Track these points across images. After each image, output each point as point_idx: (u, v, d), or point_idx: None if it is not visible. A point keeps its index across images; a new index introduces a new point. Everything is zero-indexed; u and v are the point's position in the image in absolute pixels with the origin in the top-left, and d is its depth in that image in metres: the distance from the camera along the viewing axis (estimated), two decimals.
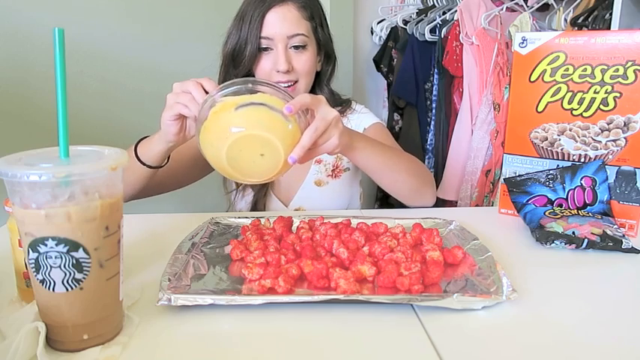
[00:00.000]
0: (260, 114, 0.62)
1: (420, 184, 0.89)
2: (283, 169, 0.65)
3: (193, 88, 0.71)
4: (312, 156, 0.68)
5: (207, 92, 0.73)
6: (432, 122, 1.80)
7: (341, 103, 1.07)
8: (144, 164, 0.81)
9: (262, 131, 0.61)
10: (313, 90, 1.03)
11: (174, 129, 0.74)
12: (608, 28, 1.21)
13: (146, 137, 0.83)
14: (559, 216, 0.76)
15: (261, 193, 1.00)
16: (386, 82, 2.03)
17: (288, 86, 0.94)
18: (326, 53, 1.01)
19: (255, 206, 1.02)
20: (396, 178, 0.86)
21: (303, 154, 0.63)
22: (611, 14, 1.19)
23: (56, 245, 0.42)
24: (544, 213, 0.78)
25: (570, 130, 0.80)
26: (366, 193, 1.24)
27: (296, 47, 0.93)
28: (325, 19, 1.00)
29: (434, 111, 1.79)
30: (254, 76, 0.96)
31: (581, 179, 0.80)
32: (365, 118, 1.05)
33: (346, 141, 0.71)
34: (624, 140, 0.76)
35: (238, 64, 0.94)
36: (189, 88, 0.71)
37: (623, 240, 0.69)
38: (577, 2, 1.38)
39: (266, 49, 0.93)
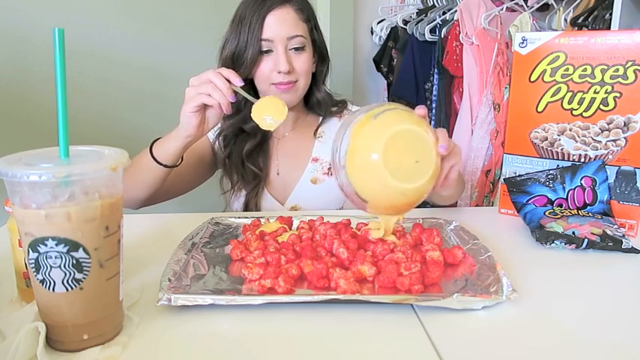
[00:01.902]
0: (399, 114, 0.62)
1: (462, 187, 0.93)
2: (436, 171, 0.62)
3: (214, 76, 0.72)
4: (444, 177, 0.66)
5: (228, 80, 0.75)
6: (432, 122, 1.80)
7: (336, 104, 1.08)
8: (160, 164, 0.81)
9: (410, 125, 0.60)
10: (310, 90, 1.04)
11: (195, 121, 0.75)
12: (608, 28, 1.20)
13: (159, 138, 0.84)
14: (559, 216, 0.76)
15: (253, 193, 1.01)
16: (386, 82, 2.03)
17: (289, 85, 0.94)
18: (320, 54, 1.03)
19: (247, 206, 1.02)
20: (453, 191, 0.87)
21: (450, 147, 0.63)
22: (611, 14, 1.19)
23: (56, 245, 0.42)
24: (544, 213, 0.78)
25: (570, 130, 0.80)
26: None
27: (296, 49, 0.94)
28: (317, 21, 1.02)
29: (434, 111, 1.79)
30: (253, 78, 0.97)
31: (581, 179, 0.80)
32: None
33: None
34: (624, 140, 0.76)
35: (239, 67, 0.95)
36: (210, 77, 0.72)
37: (623, 240, 0.69)
38: (577, 2, 1.38)
39: (267, 51, 0.94)
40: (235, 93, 0.77)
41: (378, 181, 0.59)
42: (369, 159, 0.59)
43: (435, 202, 0.93)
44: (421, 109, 0.65)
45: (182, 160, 0.85)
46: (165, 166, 0.82)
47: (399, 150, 0.59)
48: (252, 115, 0.82)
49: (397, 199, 0.61)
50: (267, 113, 0.81)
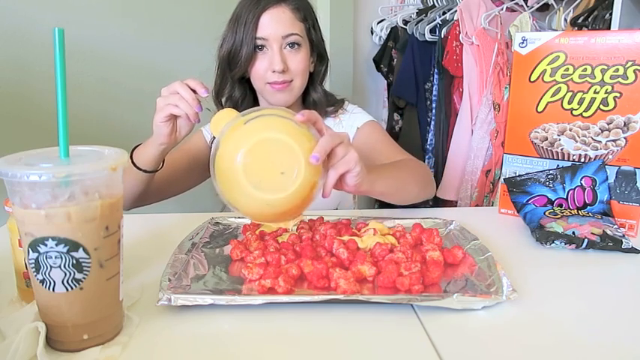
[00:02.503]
0: (271, 120, 0.60)
1: (422, 188, 0.90)
2: (308, 182, 0.59)
3: (180, 87, 0.74)
4: (334, 183, 0.63)
5: (193, 91, 0.76)
6: (432, 122, 1.80)
7: (334, 103, 1.08)
8: (139, 169, 0.83)
9: (278, 133, 0.58)
10: (307, 90, 1.04)
11: (166, 130, 0.77)
12: (608, 28, 1.21)
13: (140, 145, 0.85)
14: (559, 216, 0.76)
15: None
16: (386, 82, 2.03)
17: (284, 85, 0.94)
18: (319, 54, 1.03)
19: None
20: (405, 193, 0.86)
21: (323, 156, 0.59)
22: (611, 14, 1.19)
23: (56, 245, 0.42)
24: (544, 213, 0.78)
25: (570, 130, 0.80)
26: None
27: (291, 46, 0.94)
28: (317, 21, 1.02)
29: (434, 111, 1.79)
30: (249, 77, 0.98)
31: (581, 179, 0.80)
32: (357, 118, 1.06)
33: (363, 164, 0.67)
34: (624, 140, 0.76)
35: (234, 65, 0.95)
36: (176, 89, 0.74)
37: (623, 240, 0.69)
38: (577, 2, 1.38)
39: (261, 49, 0.94)
40: (201, 103, 0.78)
41: (240, 190, 0.58)
42: (232, 167, 0.57)
43: (405, 204, 0.89)
44: (299, 116, 0.61)
45: (163, 164, 0.87)
46: (145, 171, 0.84)
47: (262, 159, 0.57)
48: (210, 127, 0.82)
49: (264, 209, 0.59)
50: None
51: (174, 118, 0.77)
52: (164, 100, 0.76)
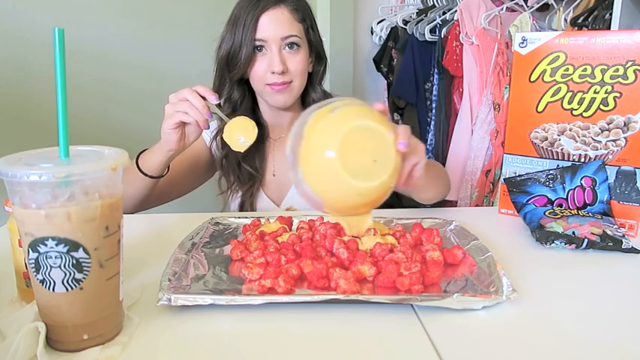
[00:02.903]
0: (358, 109, 0.60)
1: (448, 187, 0.95)
2: (395, 170, 0.60)
3: (189, 94, 0.75)
4: (405, 176, 0.64)
5: (203, 97, 0.76)
6: (432, 122, 1.80)
7: None
8: (146, 175, 0.84)
9: (368, 121, 0.57)
10: (306, 90, 1.04)
11: (175, 137, 0.78)
12: (608, 28, 1.20)
13: (145, 150, 0.86)
14: (559, 216, 0.76)
15: (248, 194, 1.02)
16: (386, 82, 2.03)
17: (283, 86, 0.94)
18: (317, 54, 1.03)
19: (242, 207, 1.02)
20: (437, 190, 0.90)
21: (409, 144, 0.60)
22: (611, 14, 1.19)
23: (56, 245, 0.42)
24: (544, 213, 0.78)
25: (570, 130, 0.80)
26: None
27: (290, 47, 0.94)
28: (315, 22, 1.02)
29: (434, 111, 1.79)
30: (248, 79, 0.98)
31: (581, 179, 0.80)
32: None
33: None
34: (624, 140, 0.76)
35: (233, 67, 0.95)
36: (186, 96, 0.75)
37: (623, 240, 0.69)
38: (577, 2, 1.38)
39: (261, 50, 0.94)
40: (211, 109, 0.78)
41: (334, 179, 0.57)
42: (324, 156, 0.56)
43: (419, 201, 0.93)
44: (380, 105, 0.64)
45: (168, 169, 0.87)
46: (151, 177, 0.84)
47: (356, 147, 0.56)
48: (223, 135, 0.83)
49: (354, 199, 0.59)
50: (239, 134, 0.82)
51: (182, 125, 0.78)
52: (173, 107, 0.76)
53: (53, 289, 0.43)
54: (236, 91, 1.00)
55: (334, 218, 0.65)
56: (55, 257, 0.42)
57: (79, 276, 0.43)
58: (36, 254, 0.43)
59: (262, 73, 0.94)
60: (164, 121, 0.78)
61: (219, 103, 0.80)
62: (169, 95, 0.78)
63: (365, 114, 0.59)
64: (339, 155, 0.56)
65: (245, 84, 1.01)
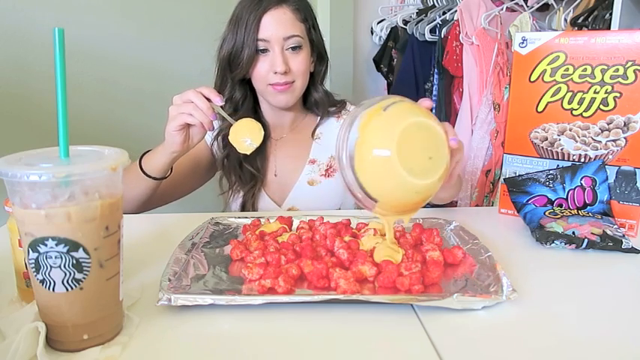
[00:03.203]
0: (410, 106, 0.59)
1: (460, 188, 0.95)
2: (447, 167, 0.59)
3: (194, 96, 0.75)
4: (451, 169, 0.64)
5: (207, 99, 0.76)
6: None
7: (335, 104, 1.08)
8: (149, 176, 0.84)
9: (422, 117, 0.57)
10: (308, 90, 1.04)
11: (180, 139, 0.78)
12: (608, 28, 1.20)
13: (148, 151, 0.86)
14: (559, 216, 0.76)
15: (249, 194, 1.02)
16: (386, 82, 2.03)
17: (286, 86, 0.94)
18: (319, 54, 1.03)
19: (243, 207, 1.02)
20: (452, 191, 0.89)
21: (459, 140, 0.62)
22: (611, 14, 1.19)
23: (56, 245, 0.42)
24: (544, 213, 0.78)
25: (570, 130, 0.80)
26: None
27: (292, 48, 0.94)
28: (316, 20, 1.02)
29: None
30: (250, 79, 0.97)
31: (581, 179, 0.80)
32: None
33: None
34: (624, 140, 0.76)
35: (235, 67, 0.95)
36: (190, 97, 0.75)
37: (623, 240, 0.69)
38: (577, 2, 1.38)
39: (263, 51, 0.93)
40: (216, 111, 0.79)
41: (391, 178, 0.56)
42: (380, 154, 0.55)
43: (432, 201, 0.93)
44: (427, 101, 0.63)
45: (171, 171, 0.87)
46: (155, 178, 0.84)
47: (413, 144, 0.55)
48: (229, 137, 0.83)
49: (409, 197, 0.58)
50: (245, 135, 0.82)
51: (187, 126, 0.78)
52: (177, 109, 0.76)
53: (53, 289, 0.43)
54: (238, 91, 1.00)
55: (383, 218, 0.64)
56: (55, 257, 0.42)
57: (79, 276, 0.43)
58: (36, 254, 0.43)
59: (265, 73, 0.94)
60: (168, 122, 0.77)
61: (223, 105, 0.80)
62: (174, 97, 0.77)
63: (417, 111, 0.58)
64: (397, 153, 0.55)
65: (246, 84, 1.01)
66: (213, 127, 0.79)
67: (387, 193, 0.59)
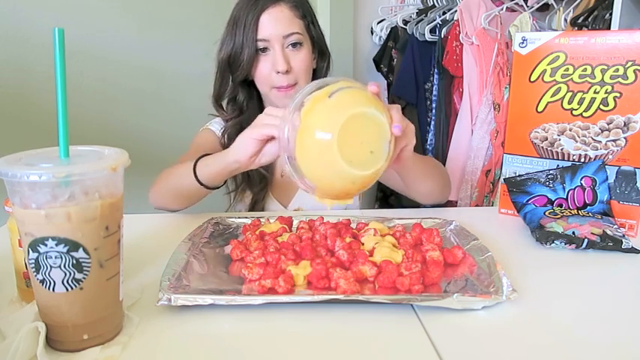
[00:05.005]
0: (356, 94, 0.59)
1: (446, 183, 0.93)
2: (389, 156, 0.59)
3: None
4: (394, 158, 0.63)
5: None
6: (432, 122, 1.80)
7: None
8: (201, 183, 0.78)
9: (367, 107, 0.56)
10: None
11: (253, 149, 0.68)
12: (608, 28, 1.20)
13: (205, 155, 0.79)
14: (559, 216, 0.76)
15: (260, 196, 1.01)
16: (386, 82, 2.03)
17: (289, 88, 0.94)
18: (320, 50, 1.02)
19: (253, 208, 1.02)
20: (433, 183, 0.88)
21: (403, 127, 0.60)
22: (611, 14, 1.19)
23: (56, 245, 0.42)
24: (544, 213, 0.78)
25: (570, 130, 0.80)
26: (366, 193, 1.24)
27: (293, 45, 0.93)
28: (315, 16, 1.01)
29: (434, 111, 1.79)
30: (253, 80, 0.97)
31: (581, 179, 0.80)
32: None
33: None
34: (624, 140, 0.76)
35: (236, 68, 0.94)
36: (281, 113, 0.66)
37: (623, 240, 0.69)
38: (577, 2, 1.38)
39: (264, 50, 0.93)
40: None
41: (330, 166, 0.56)
42: (321, 143, 0.55)
43: (418, 200, 0.92)
44: (374, 86, 0.61)
45: (225, 183, 0.81)
46: (206, 187, 0.78)
47: (354, 136, 0.56)
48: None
49: (347, 186, 0.58)
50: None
51: (267, 141, 0.68)
52: (267, 119, 0.67)
53: (53, 289, 0.43)
54: (240, 92, 0.99)
55: (320, 201, 0.64)
56: (55, 257, 0.42)
57: (79, 276, 0.43)
58: (36, 254, 0.43)
59: (267, 73, 0.93)
60: (251, 127, 0.68)
61: None
62: (269, 106, 0.70)
63: (362, 100, 0.58)
64: (338, 143, 0.55)
65: (249, 85, 1.00)
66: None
67: (325, 181, 0.59)
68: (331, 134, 0.55)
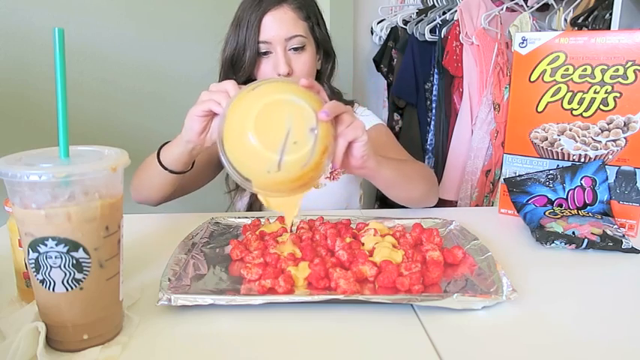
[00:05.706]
0: (278, 84, 0.60)
1: (428, 189, 0.89)
2: (320, 144, 0.57)
3: (231, 86, 0.68)
4: (344, 150, 0.62)
5: None
6: (432, 122, 1.80)
7: (345, 104, 1.07)
8: (165, 169, 0.79)
9: (285, 95, 0.57)
10: None
11: (198, 126, 0.70)
12: (608, 28, 1.20)
13: (168, 142, 0.81)
14: (559, 216, 0.76)
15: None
16: (386, 82, 2.04)
17: None
18: (325, 51, 1.01)
19: (251, 207, 1.02)
20: (410, 189, 0.86)
21: (332, 114, 0.58)
22: (611, 14, 1.19)
23: (56, 245, 0.42)
24: (544, 213, 0.78)
25: (570, 130, 0.80)
26: (366, 194, 1.24)
27: (295, 49, 0.93)
28: (322, 17, 1.00)
29: (434, 111, 1.79)
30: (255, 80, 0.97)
31: (581, 179, 0.80)
32: (366, 120, 1.05)
33: (373, 151, 0.68)
34: (624, 140, 0.76)
35: (238, 69, 0.94)
36: (227, 88, 0.68)
37: (623, 240, 0.69)
38: (577, 2, 1.38)
39: (265, 53, 0.93)
40: None
41: (253, 157, 0.56)
42: (242, 132, 0.56)
43: (410, 205, 0.90)
44: (304, 80, 0.62)
45: (192, 166, 0.82)
46: (172, 171, 0.79)
47: (273, 123, 0.55)
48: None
49: (276, 176, 0.57)
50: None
51: (211, 116, 0.70)
52: (209, 95, 0.69)
53: (53, 289, 0.43)
54: None
55: (266, 201, 0.64)
56: (55, 257, 0.42)
57: (79, 276, 0.43)
58: (36, 254, 0.43)
59: (268, 75, 0.93)
60: (194, 105, 0.70)
61: None
62: (212, 83, 0.72)
63: (284, 89, 0.59)
64: (255, 129, 0.55)
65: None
66: None
67: (254, 174, 0.59)
68: (249, 122, 0.56)
